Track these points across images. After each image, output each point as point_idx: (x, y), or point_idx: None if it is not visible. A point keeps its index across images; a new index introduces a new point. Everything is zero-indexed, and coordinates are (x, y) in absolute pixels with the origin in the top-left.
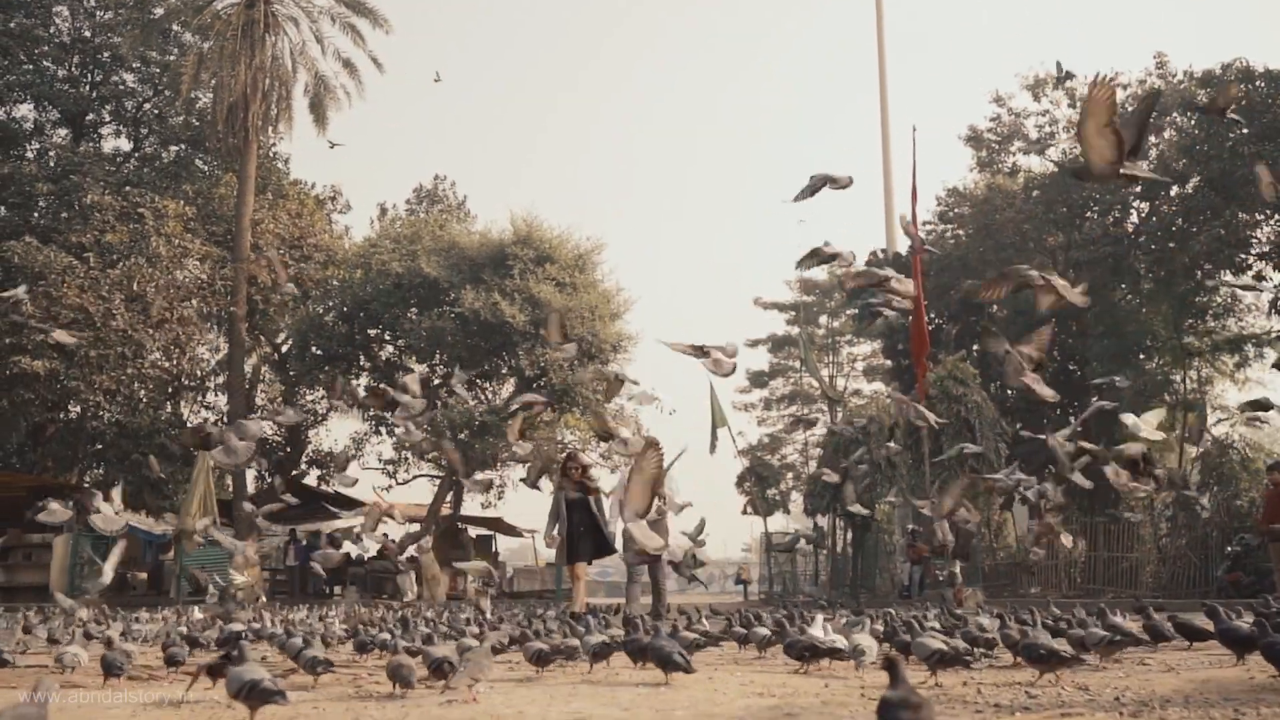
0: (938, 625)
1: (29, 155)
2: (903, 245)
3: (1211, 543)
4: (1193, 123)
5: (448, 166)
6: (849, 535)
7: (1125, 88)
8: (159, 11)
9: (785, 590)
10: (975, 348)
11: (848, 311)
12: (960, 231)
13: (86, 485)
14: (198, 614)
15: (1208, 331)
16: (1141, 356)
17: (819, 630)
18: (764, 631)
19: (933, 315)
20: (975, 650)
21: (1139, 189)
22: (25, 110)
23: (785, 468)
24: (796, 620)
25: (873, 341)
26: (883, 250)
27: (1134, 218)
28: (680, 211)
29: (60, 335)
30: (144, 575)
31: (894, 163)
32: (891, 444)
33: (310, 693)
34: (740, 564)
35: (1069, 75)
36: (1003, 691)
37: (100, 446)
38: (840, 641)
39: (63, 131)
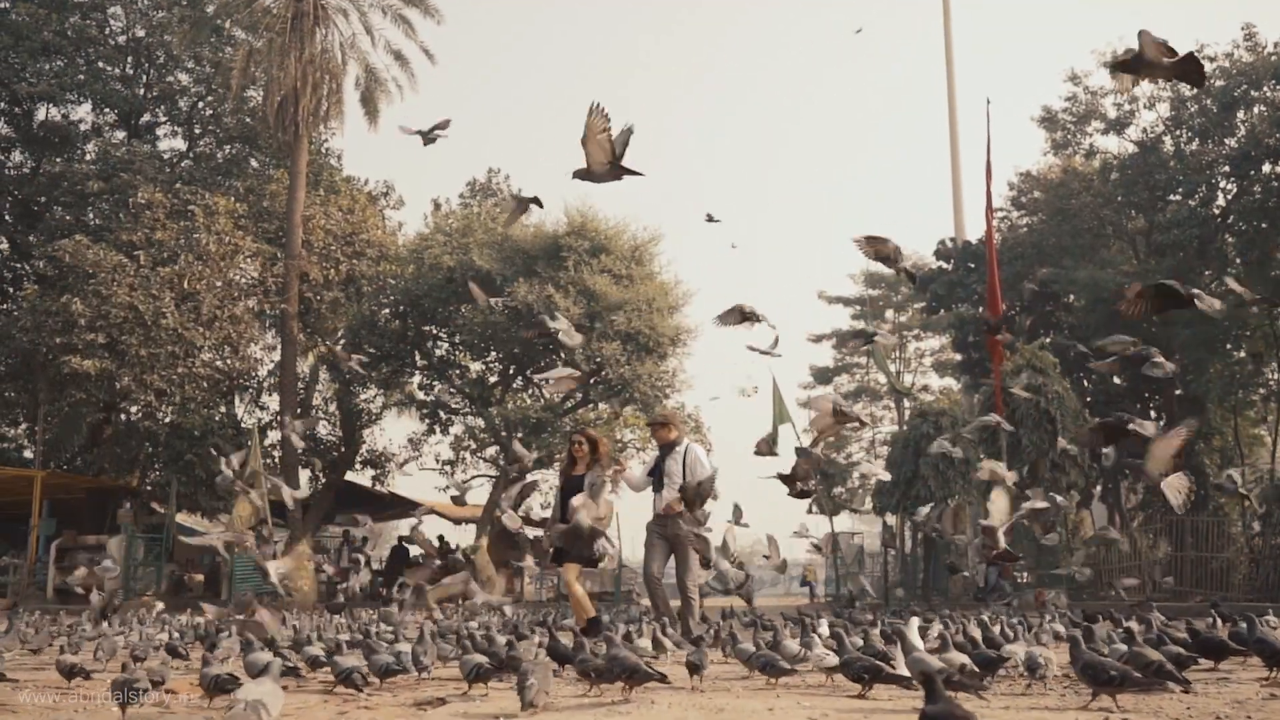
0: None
1: (88, 157)
2: (972, 234)
3: None
4: None
5: (502, 159)
6: (919, 535)
7: (1212, 60)
8: (210, 9)
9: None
10: (1049, 338)
11: (915, 305)
12: (1034, 217)
13: (148, 487)
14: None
15: None
16: (1229, 346)
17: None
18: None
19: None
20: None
21: (1226, 168)
22: (83, 112)
23: (852, 465)
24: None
25: (942, 335)
26: (951, 239)
27: (1220, 200)
28: (743, 202)
29: None
30: (200, 577)
31: (962, 148)
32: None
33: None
34: (805, 565)
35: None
36: None
37: (157, 448)
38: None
39: (120, 133)
